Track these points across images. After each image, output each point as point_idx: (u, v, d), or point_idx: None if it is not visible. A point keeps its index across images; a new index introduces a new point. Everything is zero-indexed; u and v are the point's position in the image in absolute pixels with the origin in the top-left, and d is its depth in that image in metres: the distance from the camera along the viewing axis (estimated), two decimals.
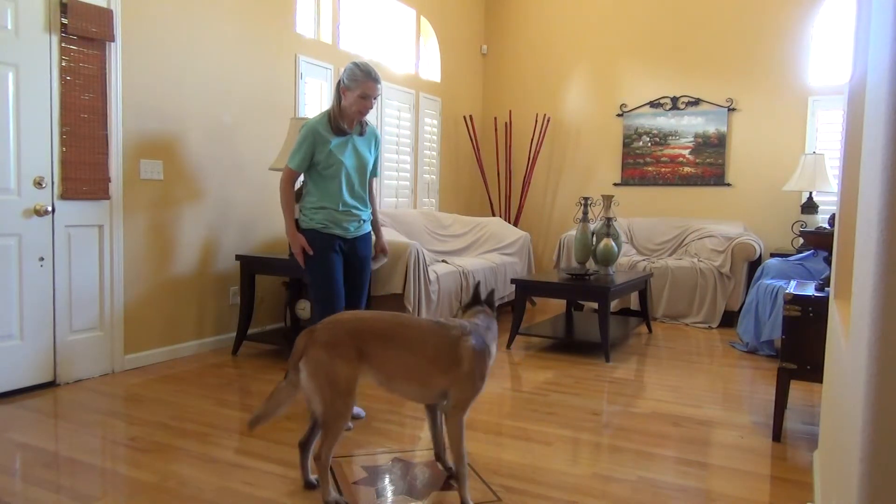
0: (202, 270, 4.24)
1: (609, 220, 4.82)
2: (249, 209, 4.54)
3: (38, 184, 3.34)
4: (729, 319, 5.41)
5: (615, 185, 6.74)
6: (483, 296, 2.47)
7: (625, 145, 6.68)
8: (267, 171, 4.52)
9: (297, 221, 3.07)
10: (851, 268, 1.32)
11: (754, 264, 5.44)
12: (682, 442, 2.82)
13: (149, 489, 2.27)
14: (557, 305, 6.17)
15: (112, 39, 3.60)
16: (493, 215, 7.03)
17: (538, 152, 6.94)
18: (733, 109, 6.21)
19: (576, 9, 6.85)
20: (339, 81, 2.94)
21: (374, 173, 3.17)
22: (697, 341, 4.91)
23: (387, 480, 2.39)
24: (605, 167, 6.81)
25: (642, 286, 5.11)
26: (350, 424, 2.90)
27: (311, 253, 2.97)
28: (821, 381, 2.56)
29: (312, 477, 2.27)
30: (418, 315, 4.33)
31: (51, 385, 3.46)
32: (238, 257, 4.21)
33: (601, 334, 4.25)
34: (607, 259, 4.77)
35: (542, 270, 6.95)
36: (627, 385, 3.71)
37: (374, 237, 3.28)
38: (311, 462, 2.28)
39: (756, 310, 4.42)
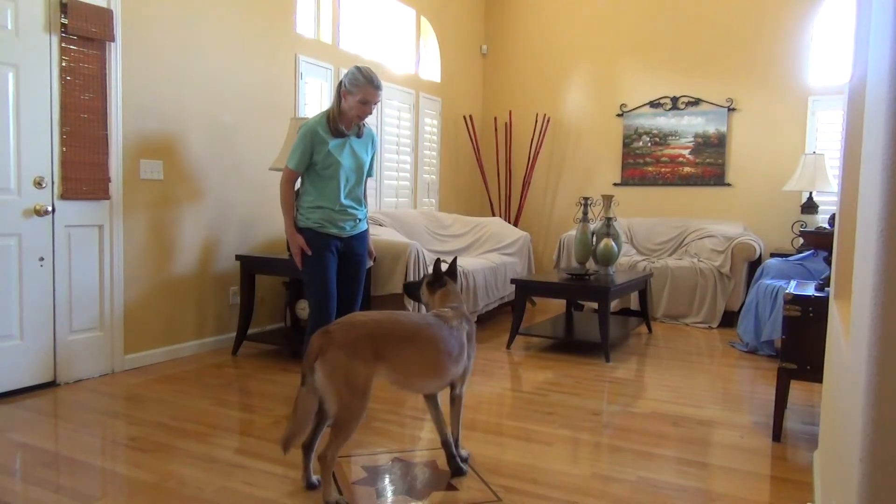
0: (202, 270, 4.24)
1: (609, 220, 4.82)
2: (249, 209, 4.54)
3: (38, 184, 3.34)
4: (729, 319, 5.41)
5: (615, 185, 6.74)
6: (444, 268, 2.62)
7: (625, 145, 6.68)
8: (267, 172, 4.52)
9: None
10: (851, 268, 1.32)
11: (754, 264, 5.44)
12: (682, 442, 2.82)
13: (149, 489, 2.27)
14: (557, 305, 6.17)
15: (112, 39, 3.60)
16: (493, 215, 7.03)
17: (538, 152, 6.95)
18: (733, 109, 6.21)
19: (576, 9, 6.85)
20: (341, 83, 2.94)
21: (369, 174, 3.18)
22: (697, 341, 4.91)
23: (387, 480, 2.39)
24: (605, 167, 6.81)
25: (642, 286, 5.11)
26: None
27: (309, 254, 2.98)
28: (821, 381, 2.55)
29: (314, 478, 2.27)
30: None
31: (51, 385, 3.46)
32: (238, 257, 4.21)
33: (601, 334, 4.25)
34: (607, 259, 4.77)
35: (542, 270, 6.95)
36: (627, 385, 3.71)
37: None
38: (313, 463, 2.28)
39: (756, 310, 4.42)
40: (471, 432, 2.87)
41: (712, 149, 6.29)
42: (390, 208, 5.90)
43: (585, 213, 4.94)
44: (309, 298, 3.06)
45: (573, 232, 5.81)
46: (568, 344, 4.71)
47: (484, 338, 4.88)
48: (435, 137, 6.64)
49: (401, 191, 6.16)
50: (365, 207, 3.19)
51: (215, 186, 4.29)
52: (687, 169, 6.41)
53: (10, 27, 3.19)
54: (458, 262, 5.13)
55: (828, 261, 3.30)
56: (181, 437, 2.76)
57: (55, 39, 3.36)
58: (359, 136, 3.08)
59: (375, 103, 2.96)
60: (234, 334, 4.28)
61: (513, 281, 4.68)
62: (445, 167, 6.87)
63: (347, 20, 5.39)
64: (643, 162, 6.60)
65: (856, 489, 0.97)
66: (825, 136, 5.85)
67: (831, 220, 3.03)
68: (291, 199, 3.05)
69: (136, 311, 3.86)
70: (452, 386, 2.43)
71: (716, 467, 2.57)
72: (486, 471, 2.46)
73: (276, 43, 4.69)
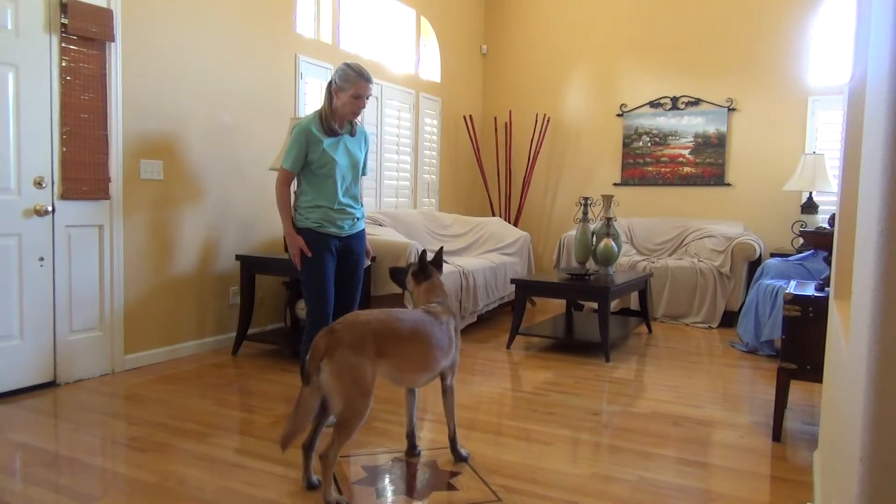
0: (202, 270, 4.24)
1: (609, 220, 4.82)
2: (249, 209, 4.54)
3: (38, 184, 3.34)
4: (729, 319, 5.41)
5: (615, 185, 6.74)
6: (430, 258, 2.69)
7: (625, 145, 6.68)
8: (267, 171, 4.52)
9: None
10: (851, 268, 1.32)
11: (754, 264, 5.44)
12: (682, 442, 2.82)
13: (149, 489, 2.27)
14: (557, 305, 6.17)
15: (112, 39, 3.60)
16: (493, 215, 7.03)
17: (538, 152, 6.94)
18: (733, 109, 6.21)
19: (576, 9, 6.85)
20: (331, 82, 2.94)
21: (363, 172, 3.18)
22: (697, 341, 4.91)
23: (387, 480, 2.39)
24: (605, 167, 6.81)
25: (642, 286, 5.11)
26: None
27: (309, 255, 2.98)
28: (821, 381, 2.55)
29: (315, 478, 2.27)
30: None
31: (51, 385, 3.46)
32: (238, 257, 4.21)
33: (601, 334, 4.25)
34: (607, 259, 4.77)
35: (542, 270, 6.95)
36: (627, 385, 3.71)
37: None
38: (313, 462, 2.28)
39: (756, 310, 4.42)
40: (471, 432, 2.87)
41: (712, 149, 6.29)
42: (390, 208, 5.90)
43: (585, 213, 4.94)
44: (306, 299, 3.06)
45: (573, 232, 5.80)
46: (568, 344, 4.71)
47: (484, 338, 4.88)
48: (435, 137, 6.64)
49: (401, 191, 6.16)
50: (362, 206, 3.19)
51: (215, 186, 4.29)
52: (687, 169, 6.41)
53: (10, 27, 3.19)
54: (458, 262, 5.16)
55: (828, 261, 3.30)
56: (181, 437, 2.76)
57: (55, 39, 3.36)
58: (352, 134, 3.08)
59: (368, 97, 2.96)
60: (234, 334, 4.28)
61: (513, 281, 4.68)
62: (445, 167, 6.87)
63: (347, 20, 5.39)
64: (643, 162, 6.60)
65: (856, 489, 0.97)
66: (825, 136, 5.85)
67: (831, 220, 3.03)
68: (288, 200, 3.04)
69: (136, 311, 3.86)
70: (443, 378, 2.51)
71: (716, 467, 2.57)
72: (486, 471, 2.46)
73: (276, 43, 4.69)
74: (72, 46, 3.42)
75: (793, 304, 2.74)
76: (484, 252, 5.81)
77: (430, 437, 2.83)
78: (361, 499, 2.24)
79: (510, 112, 7.16)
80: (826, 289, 2.81)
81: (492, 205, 7.22)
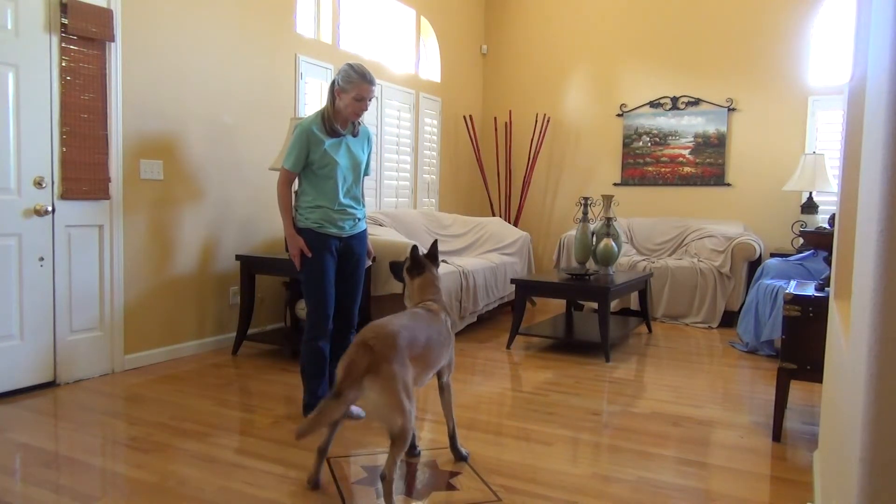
0: (202, 270, 4.24)
1: (609, 220, 4.82)
2: (249, 209, 4.54)
3: (38, 184, 3.34)
4: (729, 319, 5.41)
5: (615, 185, 6.74)
6: (423, 253, 2.72)
7: (625, 145, 6.68)
8: (267, 171, 4.52)
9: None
10: (851, 268, 1.32)
11: (754, 264, 5.44)
12: (682, 442, 2.82)
13: (149, 489, 2.27)
14: (557, 305, 6.17)
15: (112, 39, 3.60)
16: (493, 215, 7.03)
17: (538, 152, 6.95)
18: (733, 109, 6.21)
19: (576, 9, 6.85)
20: (334, 82, 2.94)
21: (366, 172, 3.17)
22: (697, 341, 4.91)
23: None
24: (605, 167, 6.81)
25: (642, 286, 5.11)
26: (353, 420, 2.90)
27: (309, 255, 2.97)
28: (821, 381, 2.56)
29: (321, 480, 2.29)
30: None
31: (51, 385, 3.46)
32: (238, 257, 4.21)
33: (601, 334, 4.25)
34: (607, 259, 4.77)
35: (542, 270, 6.95)
36: (627, 385, 3.71)
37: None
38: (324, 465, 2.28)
39: (756, 310, 4.42)
40: (471, 432, 2.87)
41: (712, 149, 6.29)
42: (390, 208, 5.90)
43: (585, 213, 4.94)
44: (306, 299, 3.05)
45: (573, 232, 5.81)
46: (568, 344, 4.71)
47: (484, 338, 4.88)
48: (435, 137, 6.64)
49: (401, 191, 6.16)
50: (363, 207, 3.19)
51: (215, 186, 4.29)
52: (687, 169, 6.42)
53: (10, 27, 3.19)
54: (458, 262, 5.16)
55: (828, 261, 3.30)
56: (181, 437, 2.76)
57: (55, 39, 3.36)
58: (354, 135, 3.07)
59: (370, 99, 2.96)
60: (234, 334, 4.28)
61: (513, 281, 4.68)
62: (445, 167, 6.87)
63: (347, 20, 5.39)
64: (643, 162, 6.60)
65: (856, 489, 0.97)
66: (825, 136, 5.85)
67: (831, 220, 3.03)
68: (289, 200, 3.04)
69: (136, 311, 3.86)
70: (440, 375, 2.54)
71: (716, 467, 2.57)
72: (486, 471, 2.46)
73: (275, 43, 4.69)
74: (72, 46, 3.42)
75: (793, 304, 2.74)
76: (484, 252, 5.81)
77: (429, 436, 2.83)
78: (361, 499, 2.24)
79: (510, 112, 7.16)
80: (826, 289, 2.81)
81: (492, 205, 7.22)
